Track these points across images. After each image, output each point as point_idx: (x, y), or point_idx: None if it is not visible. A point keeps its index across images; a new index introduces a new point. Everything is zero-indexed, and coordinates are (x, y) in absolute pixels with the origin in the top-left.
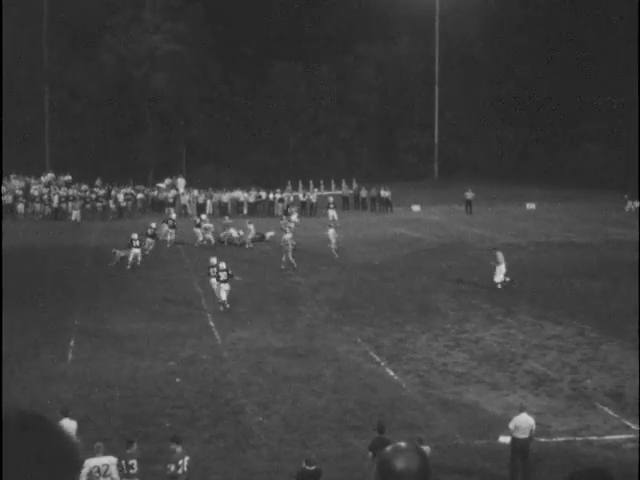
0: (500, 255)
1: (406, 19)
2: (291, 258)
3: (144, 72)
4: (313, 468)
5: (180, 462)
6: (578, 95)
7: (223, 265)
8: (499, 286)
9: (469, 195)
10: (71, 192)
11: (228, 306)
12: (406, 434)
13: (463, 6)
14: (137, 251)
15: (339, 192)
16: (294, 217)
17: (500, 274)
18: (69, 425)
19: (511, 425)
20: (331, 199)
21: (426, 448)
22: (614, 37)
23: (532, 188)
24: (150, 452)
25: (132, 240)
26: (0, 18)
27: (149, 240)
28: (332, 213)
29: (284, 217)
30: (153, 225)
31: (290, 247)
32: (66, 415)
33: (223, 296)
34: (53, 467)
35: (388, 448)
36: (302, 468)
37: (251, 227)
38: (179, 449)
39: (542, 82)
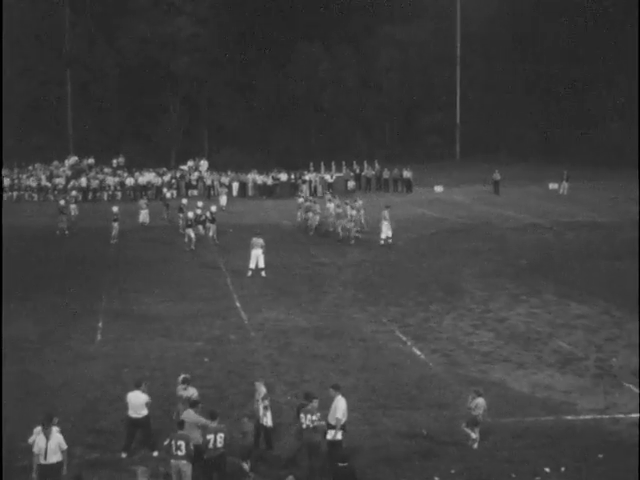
0: (384, 212)
1: None
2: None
3: (166, 55)
4: (346, 464)
5: (209, 437)
6: (601, 72)
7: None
8: (382, 242)
9: (497, 176)
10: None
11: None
12: (434, 412)
13: None
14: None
15: (345, 173)
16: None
17: (384, 230)
18: (141, 398)
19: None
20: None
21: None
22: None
23: (555, 168)
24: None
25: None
26: (0, 18)
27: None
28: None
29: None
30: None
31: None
32: (138, 387)
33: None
34: None
35: None
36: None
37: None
38: (213, 424)
39: (564, 60)
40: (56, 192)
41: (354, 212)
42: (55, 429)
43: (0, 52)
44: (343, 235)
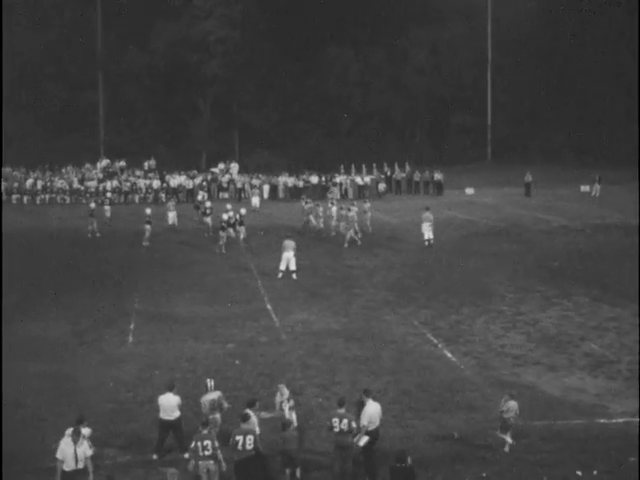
0: (425, 214)
1: (458, 0)
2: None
3: (197, 57)
4: (404, 465)
5: (238, 438)
6: (633, 72)
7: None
8: (425, 243)
9: (529, 178)
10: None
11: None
12: (465, 415)
13: None
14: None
15: (376, 176)
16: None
17: (426, 232)
18: (173, 400)
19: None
20: (331, 195)
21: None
22: None
23: (587, 170)
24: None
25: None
26: (0, 18)
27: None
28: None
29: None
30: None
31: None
32: (170, 390)
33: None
34: None
35: None
36: (393, 465)
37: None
38: (243, 426)
39: (597, 62)
40: (88, 195)
41: (351, 214)
42: (86, 432)
43: (0, 53)
44: (344, 237)
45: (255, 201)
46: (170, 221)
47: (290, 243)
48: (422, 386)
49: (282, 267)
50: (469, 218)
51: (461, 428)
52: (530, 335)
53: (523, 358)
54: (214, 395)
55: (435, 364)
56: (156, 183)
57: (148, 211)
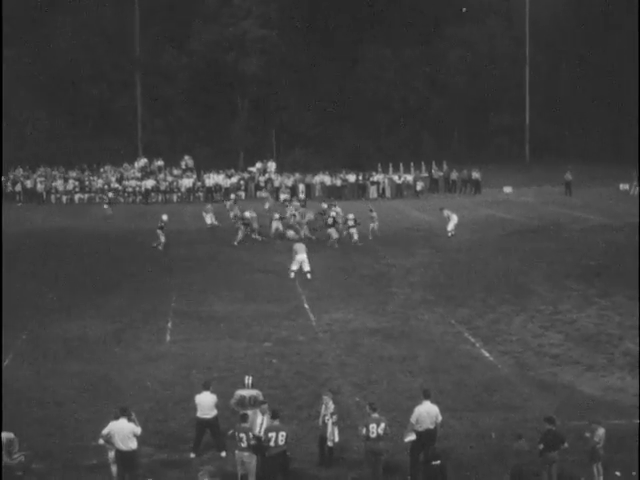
0: (446, 212)
1: None
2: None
3: (235, 57)
4: (438, 462)
5: (271, 435)
6: None
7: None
8: (449, 234)
9: (569, 176)
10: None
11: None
12: (503, 415)
13: None
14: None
15: (416, 175)
16: (290, 209)
17: (451, 223)
18: (209, 399)
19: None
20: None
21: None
22: None
23: (625, 168)
24: None
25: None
26: (0, 18)
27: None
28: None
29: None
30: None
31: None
32: (207, 389)
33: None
34: None
35: None
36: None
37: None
38: (275, 422)
39: (633, 58)
40: (126, 194)
41: (296, 213)
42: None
43: (0, 54)
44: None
45: (283, 197)
46: (208, 221)
47: (301, 246)
48: (459, 385)
49: (294, 267)
50: (507, 217)
51: (498, 428)
52: (568, 334)
53: (561, 357)
54: (245, 392)
55: (472, 363)
56: (187, 182)
57: (164, 217)
